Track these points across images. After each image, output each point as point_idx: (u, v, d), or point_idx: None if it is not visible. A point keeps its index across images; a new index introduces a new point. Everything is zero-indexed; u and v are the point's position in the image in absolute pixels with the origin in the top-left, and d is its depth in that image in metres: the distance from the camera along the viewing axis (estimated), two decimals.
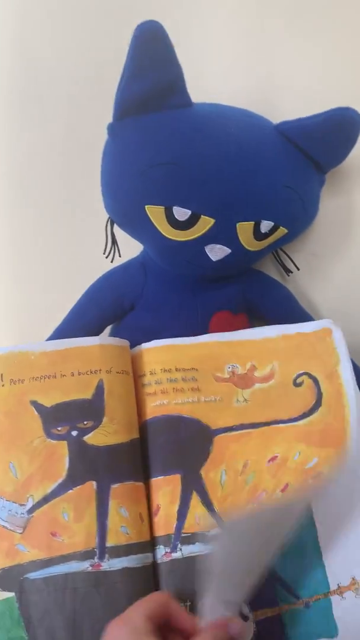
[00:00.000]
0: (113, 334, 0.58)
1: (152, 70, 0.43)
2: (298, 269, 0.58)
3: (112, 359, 0.46)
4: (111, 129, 0.47)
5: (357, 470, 0.43)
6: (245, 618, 0.40)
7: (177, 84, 0.45)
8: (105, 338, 0.52)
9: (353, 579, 0.41)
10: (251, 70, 0.56)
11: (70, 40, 0.59)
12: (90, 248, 0.57)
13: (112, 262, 0.55)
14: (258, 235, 0.49)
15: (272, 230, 0.49)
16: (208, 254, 0.48)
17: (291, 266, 0.59)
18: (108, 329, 0.58)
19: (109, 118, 0.47)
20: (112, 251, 0.55)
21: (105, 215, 0.54)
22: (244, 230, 0.48)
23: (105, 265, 0.56)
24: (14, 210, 0.62)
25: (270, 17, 0.55)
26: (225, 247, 0.48)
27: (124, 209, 0.49)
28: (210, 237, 0.48)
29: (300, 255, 0.60)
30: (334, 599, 0.41)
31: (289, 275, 0.59)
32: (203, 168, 0.45)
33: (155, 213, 0.47)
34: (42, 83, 0.60)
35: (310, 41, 0.56)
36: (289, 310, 0.59)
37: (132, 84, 0.44)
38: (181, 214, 0.46)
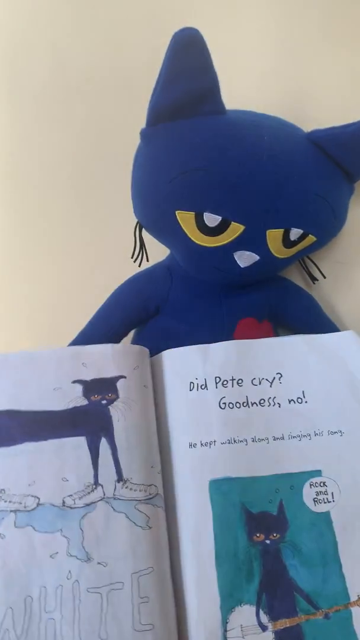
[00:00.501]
0: (136, 338, 0.58)
1: (188, 77, 0.43)
2: (324, 277, 0.58)
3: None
4: (144, 134, 0.48)
5: None
6: (264, 628, 0.40)
7: (212, 91, 0.45)
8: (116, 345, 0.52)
9: None
10: (283, 78, 0.56)
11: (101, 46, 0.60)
12: (116, 251, 0.58)
13: (139, 266, 0.55)
14: (287, 242, 0.49)
15: (301, 238, 0.49)
16: (237, 260, 0.49)
17: (317, 274, 0.59)
18: (131, 333, 0.59)
19: (140, 121, 0.48)
20: (140, 255, 0.55)
21: (131, 219, 0.54)
22: (274, 237, 0.48)
23: (130, 269, 0.57)
24: (40, 212, 0.63)
25: (303, 25, 0.55)
26: (254, 254, 0.48)
27: (154, 214, 0.50)
28: (239, 244, 0.48)
29: (326, 263, 0.60)
30: (354, 610, 0.40)
31: (314, 283, 0.59)
32: (235, 175, 0.45)
33: (185, 219, 0.47)
34: (70, 87, 0.61)
35: (343, 50, 0.56)
36: (312, 318, 0.59)
37: (168, 91, 0.44)
38: (211, 220, 0.46)
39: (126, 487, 0.41)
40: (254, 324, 0.55)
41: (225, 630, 0.40)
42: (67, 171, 0.61)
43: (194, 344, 0.49)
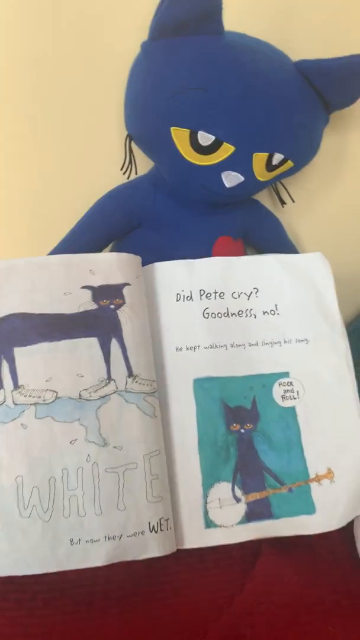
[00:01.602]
0: (116, 249, 0.60)
1: None
2: (293, 201, 0.63)
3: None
4: (145, 47, 0.48)
5: (339, 375, 0.52)
6: (238, 500, 0.48)
7: (215, 11, 0.46)
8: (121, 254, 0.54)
9: (329, 469, 0.49)
10: (270, 5, 0.57)
11: None
12: (98, 161, 0.58)
13: (128, 178, 0.57)
14: (269, 166, 0.52)
15: (281, 163, 0.53)
16: (223, 180, 0.52)
17: (286, 198, 0.63)
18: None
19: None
20: (129, 168, 0.56)
21: (117, 130, 0.55)
22: (259, 160, 0.51)
23: (111, 179, 0.58)
24: (16, 119, 0.61)
25: None
26: (239, 175, 0.51)
27: (148, 128, 0.51)
28: (227, 164, 0.51)
29: (292, 189, 0.64)
30: (313, 485, 0.49)
31: (283, 207, 0.64)
32: (232, 97, 0.47)
33: (180, 135, 0.49)
34: None
35: None
36: (278, 239, 0.65)
37: (174, 8, 0.45)
38: (205, 139, 0.49)
39: (136, 382, 0.45)
40: (230, 241, 0.59)
41: (206, 503, 0.47)
42: (53, 72, 0.59)
43: (175, 258, 0.53)
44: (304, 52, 0.51)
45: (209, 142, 0.49)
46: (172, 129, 0.49)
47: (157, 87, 0.48)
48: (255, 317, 0.53)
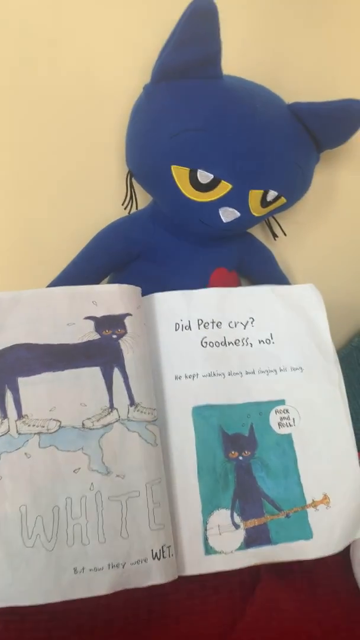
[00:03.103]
0: (116, 280, 0.62)
1: (198, 43, 0.46)
2: (285, 235, 0.65)
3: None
4: (148, 90, 0.51)
5: (333, 402, 0.53)
6: (237, 526, 0.49)
7: (215, 57, 0.49)
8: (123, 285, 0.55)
9: (325, 495, 0.50)
10: (264, 47, 0.60)
11: None
12: (99, 196, 0.60)
13: (129, 212, 0.59)
14: (264, 202, 0.55)
15: (275, 199, 0.55)
16: (220, 215, 0.54)
17: (278, 232, 0.66)
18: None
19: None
20: (130, 203, 0.59)
21: (117, 167, 0.57)
22: (254, 197, 0.54)
23: (111, 213, 0.60)
24: (20, 155, 0.62)
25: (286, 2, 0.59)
26: (236, 211, 0.54)
27: (150, 166, 0.53)
28: (225, 201, 0.53)
29: (284, 223, 0.67)
30: (310, 510, 0.50)
31: (275, 240, 0.66)
32: (230, 138, 0.50)
33: (180, 173, 0.51)
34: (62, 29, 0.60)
35: (321, 25, 0.60)
36: (270, 270, 0.67)
37: (177, 53, 0.47)
38: (204, 177, 0.51)
39: (138, 410, 0.46)
40: (225, 273, 0.61)
41: (205, 529, 0.48)
42: (58, 111, 0.61)
43: (173, 289, 0.55)
44: (297, 94, 0.54)
45: (208, 180, 0.51)
46: (173, 167, 0.51)
47: (158, 128, 0.50)
48: (251, 345, 0.54)
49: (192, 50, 0.47)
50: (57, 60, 0.59)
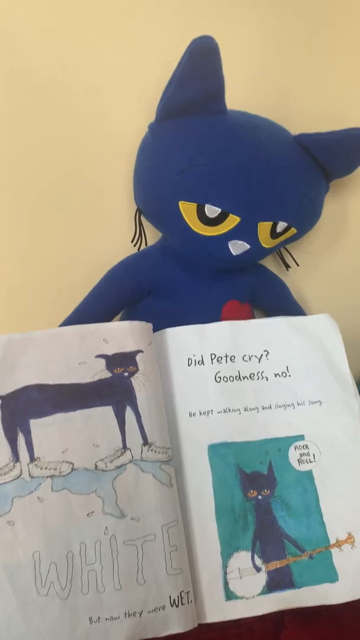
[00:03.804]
0: (127, 317, 0.62)
1: (200, 81, 0.47)
2: (297, 265, 0.65)
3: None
4: (153, 129, 0.51)
5: (354, 436, 0.52)
6: (258, 569, 0.47)
7: (219, 93, 0.49)
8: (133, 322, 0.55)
9: (349, 534, 0.48)
10: (271, 81, 0.61)
11: None
12: (108, 234, 0.61)
13: (138, 249, 0.59)
14: (274, 234, 0.55)
15: (285, 230, 0.55)
16: (230, 248, 0.53)
17: (290, 262, 0.65)
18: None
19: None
20: (139, 240, 0.59)
21: (125, 205, 0.57)
22: (264, 229, 0.53)
23: (120, 251, 0.60)
24: (30, 194, 0.63)
25: (291, 33, 0.60)
26: (245, 243, 0.53)
27: (157, 203, 0.53)
28: (234, 234, 0.53)
29: (297, 253, 0.66)
30: (334, 551, 0.48)
31: (287, 270, 0.66)
32: (236, 172, 0.50)
33: (187, 209, 0.51)
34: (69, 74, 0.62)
35: (327, 58, 0.61)
36: (283, 301, 0.66)
37: (181, 91, 0.48)
38: (212, 211, 0.51)
39: (151, 450, 0.45)
40: (238, 305, 0.60)
41: (225, 573, 0.46)
42: (67, 152, 0.62)
43: (185, 324, 0.54)
44: (303, 126, 0.54)
45: (216, 214, 0.51)
46: (180, 203, 0.51)
47: (165, 165, 0.51)
48: (267, 379, 0.53)
49: (194, 87, 0.48)
50: (65, 101, 0.60)
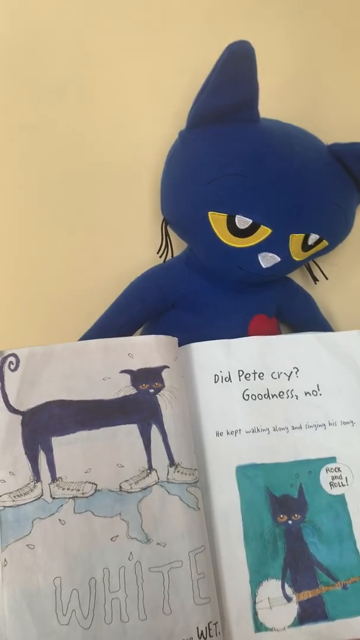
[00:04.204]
0: (150, 330, 0.60)
1: (235, 87, 0.46)
2: (327, 278, 0.63)
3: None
4: (184, 136, 0.50)
5: None
6: (289, 599, 0.44)
7: (252, 101, 0.48)
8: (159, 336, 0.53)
9: None
10: (302, 90, 0.59)
11: None
12: (133, 244, 0.59)
13: (164, 261, 0.57)
14: (305, 246, 0.53)
15: (317, 242, 0.53)
16: (260, 261, 0.52)
17: (318, 275, 0.63)
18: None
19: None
20: (165, 251, 0.57)
21: (150, 215, 0.56)
22: (295, 241, 0.52)
23: (144, 262, 0.59)
24: (55, 203, 0.62)
25: (323, 42, 0.59)
26: (276, 256, 0.52)
27: (186, 213, 0.52)
28: (264, 246, 0.51)
29: (323, 266, 0.64)
30: None
31: (315, 284, 0.64)
32: (269, 182, 0.48)
33: (217, 220, 0.50)
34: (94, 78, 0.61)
35: (358, 68, 0.60)
36: (310, 316, 0.64)
37: (214, 97, 0.47)
38: (243, 222, 0.49)
39: (178, 471, 0.43)
40: (265, 319, 0.59)
41: (254, 602, 0.44)
42: (88, 167, 0.61)
43: (210, 338, 0.52)
44: (335, 135, 0.52)
45: (247, 226, 0.50)
46: (210, 213, 0.50)
47: (195, 174, 0.49)
48: (297, 398, 0.51)
49: (229, 94, 0.46)
50: (91, 108, 0.59)
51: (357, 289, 0.67)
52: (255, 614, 0.43)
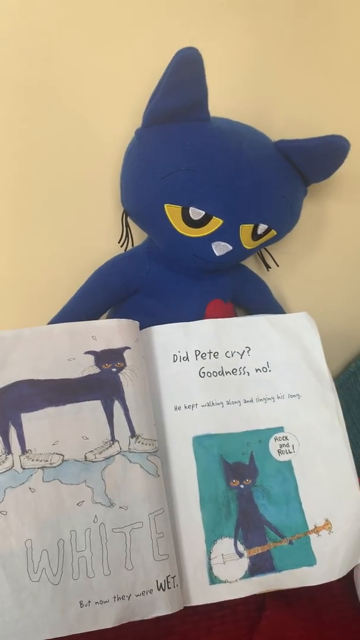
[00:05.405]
0: (114, 315, 0.64)
1: (185, 89, 0.49)
2: (277, 265, 0.67)
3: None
4: (139, 134, 0.53)
5: (331, 428, 0.54)
6: (240, 555, 0.49)
7: (202, 101, 0.51)
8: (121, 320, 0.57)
9: (326, 520, 0.51)
10: (251, 91, 0.63)
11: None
12: (96, 235, 0.63)
13: (125, 250, 0.61)
14: (255, 236, 0.57)
15: (266, 232, 0.57)
16: (213, 249, 0.56)
17: (271, 262, 0.68)
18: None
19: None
20: (126, 240, 0.61)
21: (112, 207, 0.59)
22: (245, 231, 0.56)
23: (107, 251, 0.62)
24: (21, 195, 0.65)
25: (273, 44, 0.62)
26: (228, 245, 0.55)
27: (144, 206, 0.55)
28: (217, 235, 0.55)
29: (276, 254, 0.69)
30: (312, 536, 0.50)
31: (268, 270, 0.68)
32: (219, 176, 0.52)
33: (172, 212, 0.53)
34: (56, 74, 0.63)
35: (305, 69, 0.63)
36: (264, 300, 0.69)
37: (166, 99, 0.50)
38: (196, 213, 0.53)
39: (139, 442, 0.47)
40: (221, 304, 0.63)
41: (209, 559, 0.48)
42: (56, 156, 0.63)
43: (170, 321, 0.56)
44: (283, 133, 0.56)
45: (200, 217, 0.53)
46: (166, 205, 0.53)
47: (151, 170, 0.53)
48: (248, 374, 0.56)
49: (179, 95, 0.50)
50: (54, 106, 0.61)
51: (307, 274, 0.71)
52: (210, 568, 0.48)
